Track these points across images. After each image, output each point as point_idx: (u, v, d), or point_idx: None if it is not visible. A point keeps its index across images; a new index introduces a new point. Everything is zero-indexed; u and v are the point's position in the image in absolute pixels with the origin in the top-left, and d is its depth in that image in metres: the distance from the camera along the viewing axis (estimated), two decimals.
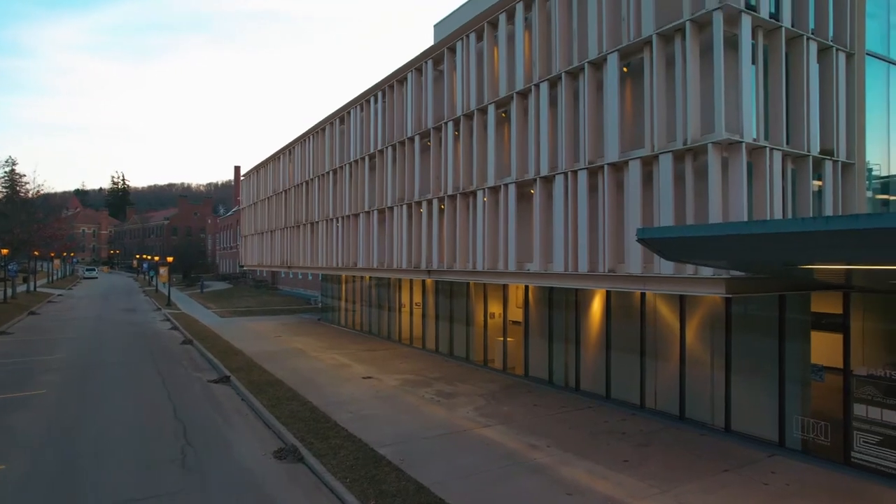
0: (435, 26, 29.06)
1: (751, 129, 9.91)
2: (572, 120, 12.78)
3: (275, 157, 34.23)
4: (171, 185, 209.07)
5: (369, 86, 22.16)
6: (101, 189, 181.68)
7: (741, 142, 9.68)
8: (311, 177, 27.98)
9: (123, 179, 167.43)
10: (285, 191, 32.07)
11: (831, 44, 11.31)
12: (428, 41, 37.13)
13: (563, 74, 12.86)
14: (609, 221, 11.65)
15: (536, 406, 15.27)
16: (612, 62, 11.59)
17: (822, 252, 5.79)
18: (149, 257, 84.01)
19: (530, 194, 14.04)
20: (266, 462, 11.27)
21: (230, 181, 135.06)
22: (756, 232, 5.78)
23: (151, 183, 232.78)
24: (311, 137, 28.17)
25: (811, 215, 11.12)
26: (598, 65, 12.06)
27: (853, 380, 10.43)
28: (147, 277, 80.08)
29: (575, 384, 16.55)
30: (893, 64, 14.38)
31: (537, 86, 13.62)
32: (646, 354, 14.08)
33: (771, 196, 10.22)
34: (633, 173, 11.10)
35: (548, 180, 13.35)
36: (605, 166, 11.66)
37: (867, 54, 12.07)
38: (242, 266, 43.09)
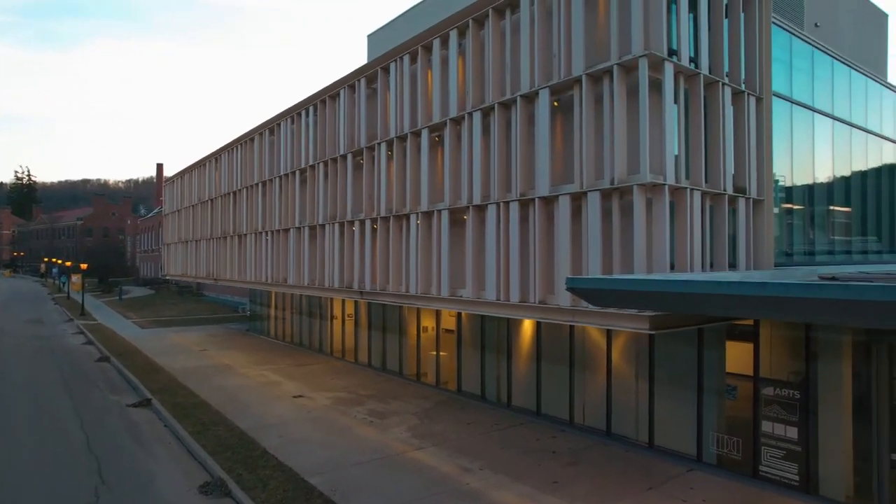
0: (369, 37, 28.85)
1: (673, 171, 10.41)
2: (505, 150, 13.00)
3: (200, 164, 32.94)
4: (85, 182, 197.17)
5: (301, 98, 21.72)
6: (1, 184, 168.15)
7: (664, 184, 10.15)
8: (240, 187, 27.10)
9: (29, 174, 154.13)
10: (211, 200, 30.91)
11: (743, 89, 12.05)
12: (363, 51, 36.63)
13: (496, 105, 13.06)
14: (539, 253, 11.93)
15: (469, 424, 15.42)
16: (544, 97, 11.88)
17: (734, 310, 6.19)
18: (59, 261, 78.82)
19: (463, 220, 14.17)
20: (191, 499, 10.82)
21: (152, 177, 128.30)
22: (674, 291, 6.12)
23: (63, 178, 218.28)
24: (239, 147, 27.29)
25: (726, 249, 11.82)
26: (531, 98, 12.33)
27: (762, 399, 11.19)
28: (58, 283, 75.03)
29: (507, 400, 16.85)
30: (795, 104, 15.51)
31: (470, 114, 13.77)
32: (574, 372, 14.55)
33: (691, 233, 10.78)
34: (563, 208, 11.41)
35: (480, 209, 13.52)
36: (536, 199, 11.93)
37: (774, 95, 12.97)
38: (165, 275, 41.21)
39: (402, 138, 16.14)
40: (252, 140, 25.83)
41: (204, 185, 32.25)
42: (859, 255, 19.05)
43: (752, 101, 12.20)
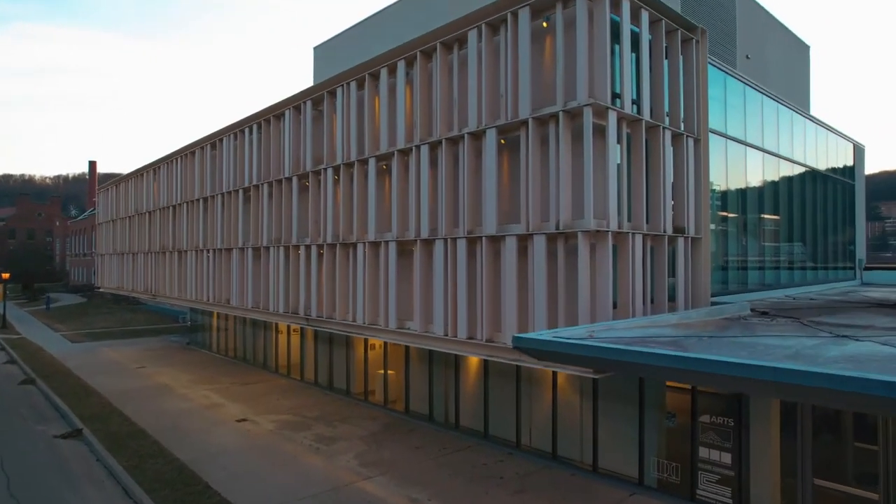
0: (315, 48, 28.44)
1: (616, 216, 10.70)
2: (452, 185, 13.05)
3: (137, 174, 31.63)
4: (7, 177, 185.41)
5: (247, 106, 21.17)
6: None
7: (607, 231, 10.43)
8: (180, 201, 26.17)
9: None
10: (150, 212, 29.73)
11: (682, 131, 12.52)
12: (309, 61, 35.96)
13: (443, 140, 13.09)
14: (487, 291, 12.04)
15: (418, 449, 15.37)
16: (491, 136, 11.99)
17: (669, 376, 6.46)
18: None
19: (412, 251, 14.14)
20: None
21: (84, 174, 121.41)
22: (616, 359, 6.34)
23: None
24: (179, 159, 26.35)
25: (666, 286, 12.24)
26: (478, 136, 12.42)
27: (699, 426, 11.67)
28: None
29: (455, 421, 16.94)
30: (730, 139, 16.24)
31: (418, 147, 13.75)
32: (521, 395, 14.76)
33: (633, 273, 11.11)
34: (510, 248, 11.56)
35: (428, 243, 13.53)
36: (484, 238, 12.04)
37: (710, 132, 13.56)
38: (98, 288, 39.32)
39: (349, 165, 15.96)
40: (193, 153, 24.99)
41: (141, 196, 30.98)
42: (786, 269, 20.11)
43: (691, 142, 12.69)
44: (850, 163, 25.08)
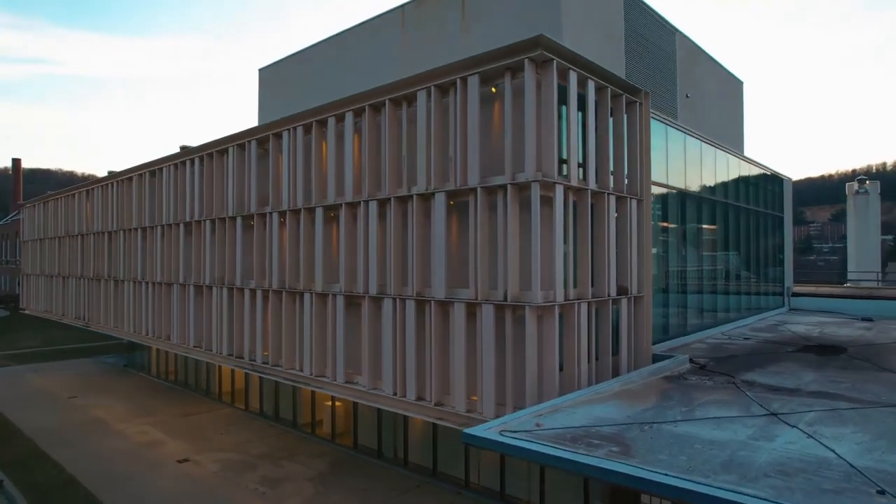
0: (260, 70, 27.82)
1: (562, 286, 10.90)
2: (401, 243, 12.99)
3: (69, 193, 30.09)
4: None
5: (188, 145, 20.46)
6: None
7: (554, 304, 10.62)
8: (116, 228, 25.05)
9: None
10: (82, 235, 28.33)
11: (626, 194, 12.87)
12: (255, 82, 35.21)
13: (392, 199, 13.01)
14: (436, 352, 12.05)
15: (366, 491, 15.25)
16: (440, 199, 11.99)
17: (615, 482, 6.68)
18: None
19: (360, 304, 14.00)
20: None
21: (7, 169, 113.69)
22: (560, 465, 6.54)
23: None
24: (115, 184, 25.22)
25: (610, 343, 12.57)
26: (427, 197, 12.41)
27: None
28: None
29: (403, 457, 16.92)
30: (669, 188, 16.81)
31: (367, 202, 13.62)
32: None
33: (578, 338, 11.36)
34: (459, 313, 11.61)
35: (377, 300, 13.43)
36: (433, 302, 12.04)
37: (652, 184, 14.02)
38: (24, 309, 37.18)
39: (296, 212, 15.66)
40: (130, 180, 23.97)
41: (73, 217, 29.49)
42: (723, 309, 20.97)
43: (634, 203, 13.06)
44: (778, 196, 26.40)
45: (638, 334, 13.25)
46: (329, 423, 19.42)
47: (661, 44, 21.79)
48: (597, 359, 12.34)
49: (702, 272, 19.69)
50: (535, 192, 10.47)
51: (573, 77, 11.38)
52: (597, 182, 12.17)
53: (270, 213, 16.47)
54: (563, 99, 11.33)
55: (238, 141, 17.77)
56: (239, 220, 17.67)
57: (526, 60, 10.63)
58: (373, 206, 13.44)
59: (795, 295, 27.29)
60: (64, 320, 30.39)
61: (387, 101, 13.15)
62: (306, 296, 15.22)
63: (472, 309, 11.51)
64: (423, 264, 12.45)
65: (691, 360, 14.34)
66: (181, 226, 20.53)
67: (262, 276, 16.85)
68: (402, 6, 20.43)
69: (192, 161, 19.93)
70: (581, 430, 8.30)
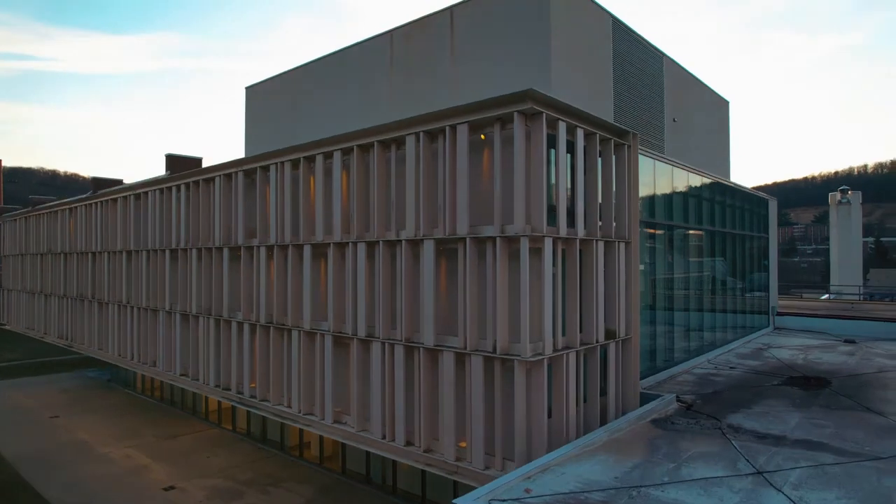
0: (247, 89, 27.62)
1: (551, 337, 10.93)
2: (390, 287, 12.94)
3: (51, 209, 29.68)
4: None
5: (174, 172, 20.23)
6: None
7: (542, 357, 10.65)
8: (100, 249, 24.74)
9: None
10: (65, 254, 27.95)
11: (614, 238, 12.93)
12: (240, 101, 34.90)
13: (381, 242, 12.96)
14: (425, 398, 12.03)
15: None
16: (429, 246, 11.97)
17: None
18: None
19: (348, 344, 13.93)
20: None
21: None
22: None
23: None
24: (99, 204, 24.91)
25: (598, 385, 12.63)
26: (416, 243, 12.37)
27: None
28: None
29: (392, 483, 16.90)
30: (657, 224, 16.92)
31: (355, 244, 13.56)
32: None
33: (567, 385, 11.40)
34: (448, 361, 11.59)
35: (365, 343, 13.37)
36: (422, 349, 12.01)
37: (640, 223, 14.10)
38: (4, 325, 36.65)
39: (283, 247, 15.55)
40: (115, 201, 23.67)
41: (56, 234, 29.08)
42: (709, 329, 21.14)
43: (622, 245, 13.12)
44: (763, 218, 26.67)
45: (626, 375, 13.32)
46: (317, 446, 19.36)
47: (648, 69, 21.91)
48: (585, 401, 12.40)
49: (688, 297, 19.86)
50: (524, 247, 10.48)
51: (562, 126, 11.40)
52: (585, 228, 12.20)
53: (258, 247, 16.34)
54: (552, 143, 11.35)
55: (225, 171, 17.61)
56: (226, 251, 17.52)
57: (515, 113, 10.63)
58: (361, 247, 13.38)
59: (780, 314, 27.61)
60: (46, 339, 29.97)
61: (375, 143, 13.09)
62: (294, 333, 15.13)
63: (461, 358, 11.50)
64: (413, 309, 12.42)
65: (678, 399, 14.45)
66: (167, 252, 20.31)
67: (250, 309, 16.72)
68: (391, 31, 20.37)
69: (178, 187, 19.72)
70: (570, 498, 8.33)
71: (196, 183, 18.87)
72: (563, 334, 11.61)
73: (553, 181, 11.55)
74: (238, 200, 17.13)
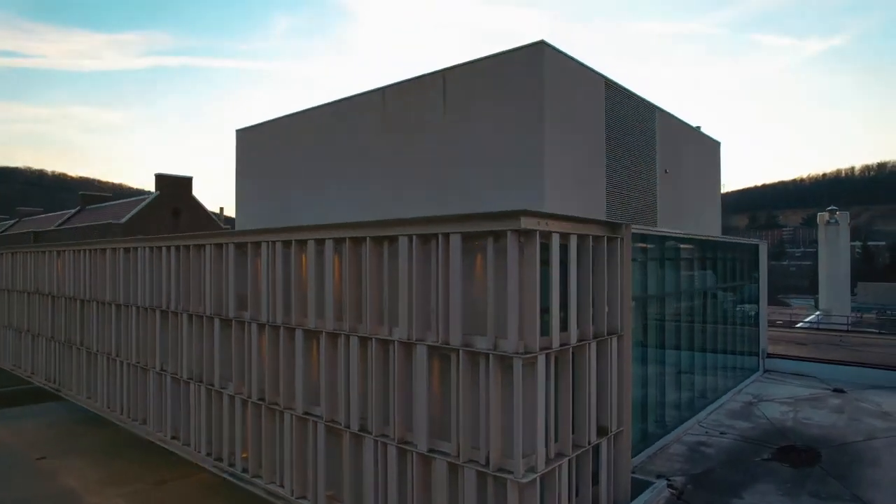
0: (237, 131, 27.45)
1: (543, 451, 10.96)
2: (383, 384, 12.89)
3: (39, 251, 29.37)
4: None
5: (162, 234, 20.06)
6: None
7: (535, 475, 10.67)
8: (89, 298, 24.51)
9: None
10: (53, 296, 27.68)
11: (606, 336, 12.97)
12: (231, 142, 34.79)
13: (373, 338, 12.92)
14: (417, 500, 12.04)
15: None
16: (422, 350, 11.95)
17: None
18: None
19: (341, 435, 13.87)
20: None
21: None
22: None
23: None
24: (87, 252, 24.66)
25: (589, 484, 12.69)
26: (409, 346, 12.35)
27: None
28: None
29: None
30: (648, 297, 16.95)
31: (348, 337, 13.51)
32: None
33: (559, 499, 11.45)
34: (440, 470, 11.59)
35: (357, 438, 13.33)
36: (415, 454, 12.00)
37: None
38: None
39: (276, 328, 15.47)
40: (104, 251, 23.45)
41: (43, 273, 28.74)
42: (700, 382, 21.24)
43: (615, 340, 13.16)
44: (754, 263, 26.83)
45: (618, 469, 13.38)
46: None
47: (640, 124, 21.97)
48: (577, 494, 12.46)
49: (679, 359, 19.96)
50: (518, 366, 10.49)
51: (556, 238, 11.40)
52: (578, 329, 12.23)
53: (249, 323, 16.24)
54: (545, 250, 11.34)
55: (215, 241, 17.47)
56: (217, 321, 17.40)
57: (509, 232, 10.61)
58: (354, 340, 13.33)
59: (770, 355, 27.84)
60: (33, 380, 29.66)
61: (368, 239, 13.03)
62: (286, 414, 15.06)
63: (454, 468, 11.49)
64: (405, 408, 12.39)
65: (669, 485, 14.55)
66: (157, 312, 20.15)
67: (242, 383, 16.62)
68: (383, 88, 20.28)
69: (168, 249, 19.54)
70: None
71: (186, 248, 18.71)
72: (556, 440, 11.64)
73: (548, 288, 11.53)
74: (229, 271, 17.00)
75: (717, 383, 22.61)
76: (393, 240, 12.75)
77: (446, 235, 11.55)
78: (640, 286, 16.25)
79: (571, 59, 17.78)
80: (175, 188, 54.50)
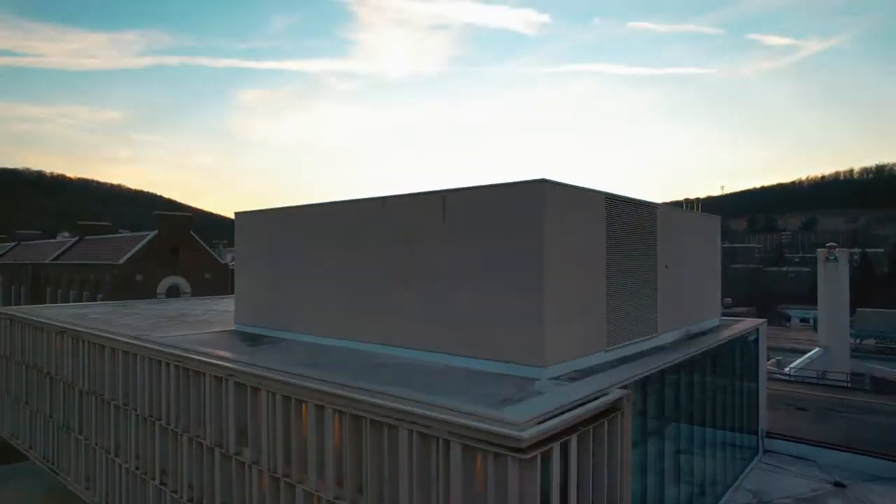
0: (236, 214, 27.37)
1: None
2: None
3: (38, 327, 29.28)
4: None
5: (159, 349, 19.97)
6: None
7: None
8: (88, 390, 24.48)
9: None
10: (51, 377, 27.63)
11: None
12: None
13: None
14: None
15: None
16: None
17: None
18: None
19: None
20: None
21: None
22: None
23: None
24: (88, 344, 24.59)
25: None
26: None
27: None
28: None
29: None
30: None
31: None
32: None
33: None
34: None
35: None
36: None
37: None
38: None
39: (276, 479, 15.46)
40: (103, 347, 23.39)
41: (42, 350, 28.68)
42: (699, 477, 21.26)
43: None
44: (753, 351, 26.85)
45: None
46: None
47: (641, 226, 21.88)
48: None
49: (678, 468, 19.98)
50: None
51: (556, 447, 11.37)
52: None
53: (250, 466, 16.24)
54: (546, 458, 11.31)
55: (214, 373, 17.43)
56: (217, 453, 17.39)
57: (509, 458, 10.58)
58: None
59: (770, 435, 27.91)
60: (31, 455, 29.68)
61: (368, 420, 13.00)
62: None
63: None
64: None
65: None
66: (156, 425, 20.13)
67: None
68: (384, 198, 20.17)
69: (168, 364, 19.50)
70: None
71: (185, 370, 18.66)
72: None
73: (549, 484, 11.52)
74: (229, 407, 16.96)
75: (715, 473, 22.68)
76: (393, 429, 12.71)
77: (447, 442, 11.51)
78: (640, 432, 16.24)
79: (572, 186, 17.69)
80: (174, 227, 54.47)
